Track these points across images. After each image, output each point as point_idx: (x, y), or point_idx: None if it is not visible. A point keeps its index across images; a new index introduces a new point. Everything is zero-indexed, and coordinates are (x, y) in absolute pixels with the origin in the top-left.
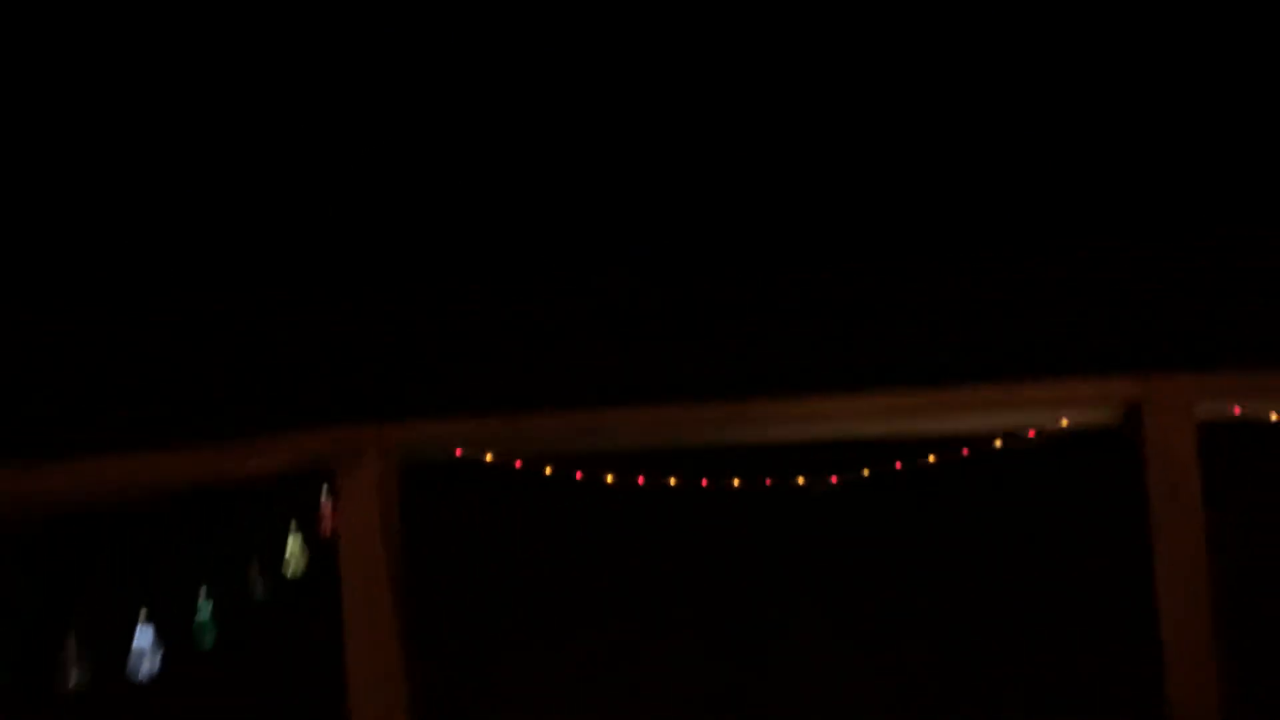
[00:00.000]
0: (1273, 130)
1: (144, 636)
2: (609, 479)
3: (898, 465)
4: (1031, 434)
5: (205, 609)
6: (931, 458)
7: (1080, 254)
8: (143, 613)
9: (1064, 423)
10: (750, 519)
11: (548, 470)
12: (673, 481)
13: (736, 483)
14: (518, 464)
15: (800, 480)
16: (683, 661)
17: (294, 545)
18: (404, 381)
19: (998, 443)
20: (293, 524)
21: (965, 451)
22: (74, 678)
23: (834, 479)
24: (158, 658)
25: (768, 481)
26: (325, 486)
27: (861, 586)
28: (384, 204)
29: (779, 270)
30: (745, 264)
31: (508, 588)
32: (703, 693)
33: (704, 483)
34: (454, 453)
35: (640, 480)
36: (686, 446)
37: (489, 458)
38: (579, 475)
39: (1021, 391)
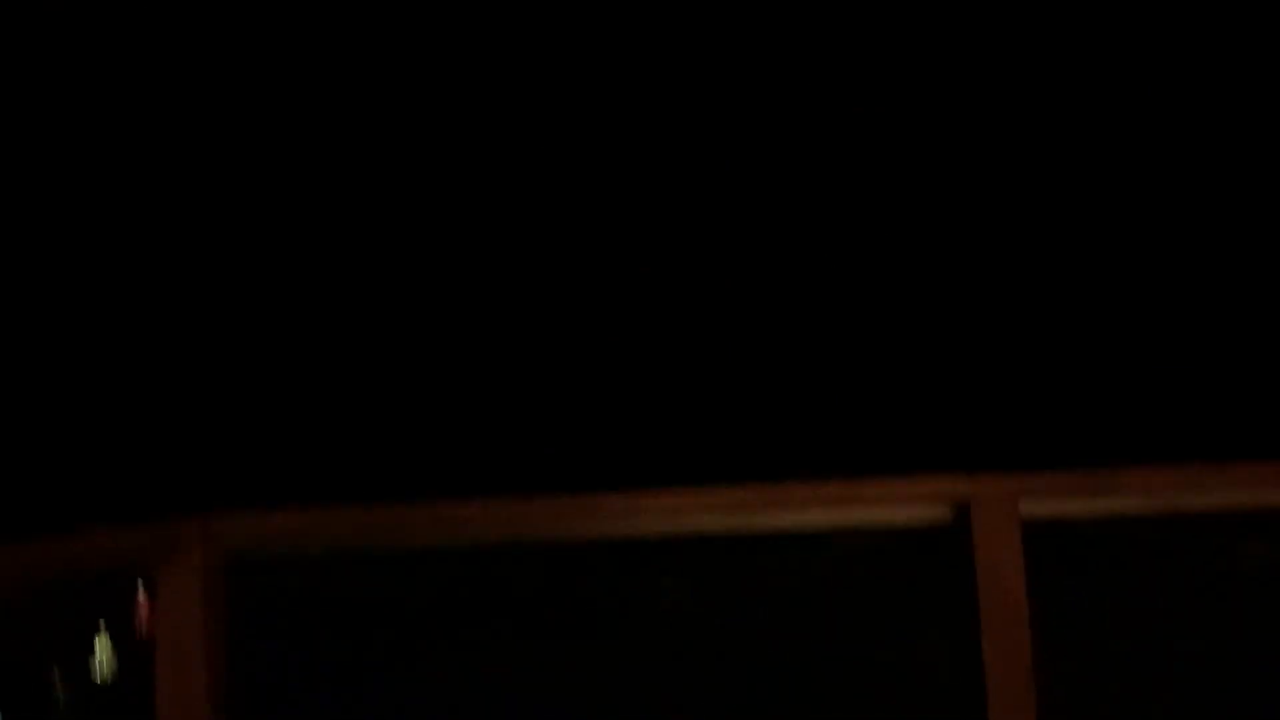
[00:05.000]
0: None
1: None
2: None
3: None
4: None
5: None
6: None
7: None
8: None
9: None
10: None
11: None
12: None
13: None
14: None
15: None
16: None
17: (103, 649)
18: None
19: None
20: (101, 624)
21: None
22: None
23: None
24: None
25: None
26: (140, 583)
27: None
28: (197, 288)
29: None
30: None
31: (345, 689)
32: None
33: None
34: (286, 546)
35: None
36: (531, 541)
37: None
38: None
39: (860, 489)
